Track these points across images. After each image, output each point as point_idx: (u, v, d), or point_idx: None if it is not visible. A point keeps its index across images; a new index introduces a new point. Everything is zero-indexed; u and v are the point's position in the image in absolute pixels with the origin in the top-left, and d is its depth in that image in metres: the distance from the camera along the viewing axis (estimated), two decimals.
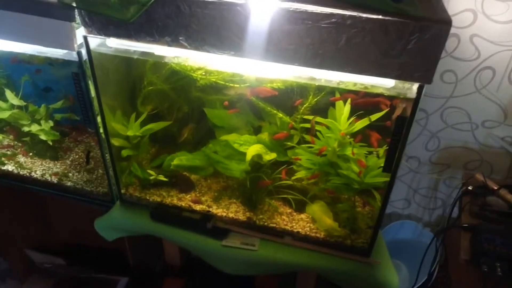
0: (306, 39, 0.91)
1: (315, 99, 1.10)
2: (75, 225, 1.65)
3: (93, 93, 1.19)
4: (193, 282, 1.57)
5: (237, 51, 0.97)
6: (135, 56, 1.08)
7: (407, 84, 0.95)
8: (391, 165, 1.06)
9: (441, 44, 0.86)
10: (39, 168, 1.52)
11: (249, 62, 1.00)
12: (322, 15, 0.87)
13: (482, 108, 1.53)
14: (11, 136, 1.58)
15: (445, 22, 0.84)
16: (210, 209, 1.36)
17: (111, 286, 1.64)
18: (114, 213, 1.43)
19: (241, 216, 1.34)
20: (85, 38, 1.08)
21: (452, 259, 1.57)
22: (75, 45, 1.10)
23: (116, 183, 1.39)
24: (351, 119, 1.11)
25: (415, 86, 0.94)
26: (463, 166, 1.70)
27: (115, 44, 1.09)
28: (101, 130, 1.26)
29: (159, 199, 1.39)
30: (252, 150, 1.20)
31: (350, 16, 0.86)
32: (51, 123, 1.46)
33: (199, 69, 1.13)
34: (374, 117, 1.09)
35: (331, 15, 0.87)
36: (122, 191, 1.42)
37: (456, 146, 1.66)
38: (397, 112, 1.02)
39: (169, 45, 1.02)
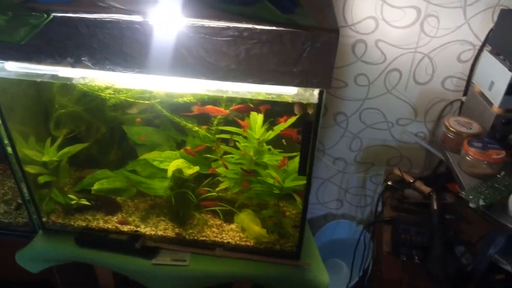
0: (206, 53, 0.93)
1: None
2: None
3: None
4: None
5: (141, 68, 0.97)
6: (38, 79, 1.05)
7: (309, 90, 1.00)
8: (305, 167, 1.10)
9: (332, 51, 0.91)
10: None
11: (157, 78, 1.01)
12: (219, 29, 0.90)
13: (394, 107, 1.63)
14: None
15: (334, 30, 0.89)
16: (138, 229, 1.34)
17: None
18: (36, 243, 1.36)
19: (170, 233, 1.33)
20: None
21: (380, 252, 1.65)
22: None
23: (36, 212, 1.33)
24: (264, 126, 1.15)
25: (316, 92, 0.99)
26: (386, 163, 1.80)
27: (15, 67, 1.06)
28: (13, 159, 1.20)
29: (84, 224, 1.35)
30: (173, 165, 1.20)
31: (246, 29, 0.89)
32: None
33: (107, 88, 1.11)
34: (286, 124, 1.13)
35: (228, 28, 0.89)
36: (44, 219, 1.35)
37: (377, 145, 1.75)
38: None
39: (73, 66, 1.00)
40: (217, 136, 1.19)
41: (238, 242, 1.31)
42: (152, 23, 0.91)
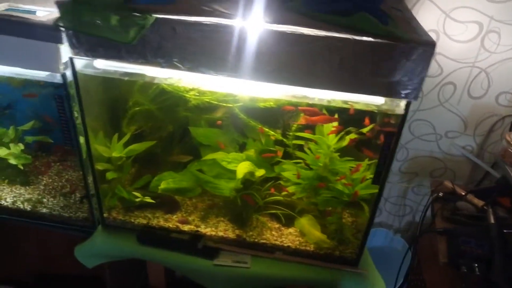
0: (302, 61, 0.95)
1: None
2: (48, 254, 1.56)
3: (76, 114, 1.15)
4: None
5: (231, 72, 0.99)
6: (126, 78, 1.06)
7: (395, 101, 1.02)
8: (380, 177, 1.12)
9: (426, 64, 0.93)
10: (9, 195, 1.43)
11: (241, 82, 1.02)
12: (316, 37, 0.92)
13: (445, 120, 1.65)
14: None
15: (430, 44, 0.91)
16: (199, 229, 1.35)
17: None
18: (97, 238, 1.37)
19: (230, 234, 1.34)
20: (71, 59, 1.06)
21: (425, 262, 1.66)
22: (61, 67, 1.07)
23: (99, 207, 1.34)
24: (340, 134, 1.17)
25: (403, 103, 1.01)
26: (429, 174, 1.82)
27: (103, 65, 1.07)
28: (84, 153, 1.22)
29: (144, 221, 1.36)
30: (243, 167, 1.22)
31: (342, 39, 0.91)
32: (21, 146, 1.39)
33: (192, 89, 1.13)
34: (364, 131, 1.15)
35: (325, 37, 0.91)
36: (105, 214, 1.37)
37: (423, 156, 1.77)
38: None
39: (162, 67, 1.02)
40: (293, 141, 1.21)
41: (297, 247, 1.32)
42: (249, 29, 0.93)
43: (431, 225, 1.51)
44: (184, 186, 1.30)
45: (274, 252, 1.33)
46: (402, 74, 0.94)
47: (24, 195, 1.43)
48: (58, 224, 1.42)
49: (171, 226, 1.36)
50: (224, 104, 1.16)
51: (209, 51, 0.97)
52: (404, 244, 1.96)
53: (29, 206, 1.41)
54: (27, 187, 1.45)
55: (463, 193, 1.50)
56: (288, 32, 0.92)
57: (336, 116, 1.16)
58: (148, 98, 1.21)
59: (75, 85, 1.09)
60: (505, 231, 1.33)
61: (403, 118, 1.02)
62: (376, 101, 1.02)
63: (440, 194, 1.55)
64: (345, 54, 0.93)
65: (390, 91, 0.97)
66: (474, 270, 1.25)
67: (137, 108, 1.22)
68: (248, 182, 1.25)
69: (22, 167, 1.42)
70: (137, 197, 1.33)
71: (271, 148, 1.28)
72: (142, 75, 1.06)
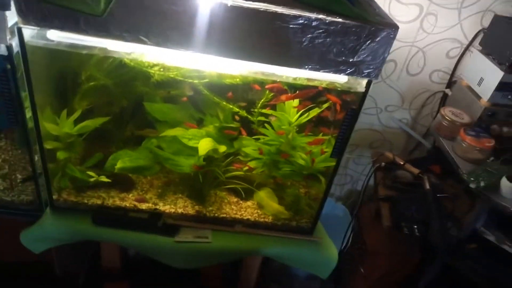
0: (273, 39, 0.95)
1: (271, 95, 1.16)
2: None
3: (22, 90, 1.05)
4: (138, 283, 1.52)
5: (202, 48, 0.97)
6: (85, 52, 0.98)
7: (357, 80, 1.07)
8: (340, 151, 1.18)
9: (389, 45, 0.99)
10: None
11: (209, 58, 1.00)
12: (291, 17, 0.92)
13: (385, 95, 1.78)
14: None
15: (394, 27, 0.97)
16: (157, 207, 1.33)
17: None
18: (45, 222, 1.29)
19: (190, 210, 1.34)
20: (19, 29, 0.95)
21: (366, 227, 1.81)
22: (7, 37, 0.95)
23: (47, 189, 1.25)
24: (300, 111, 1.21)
25: (364, 81, 1.06)
26: (369, 145, 1.96)
27: (56, 37, 0.98)
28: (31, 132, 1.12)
29: (99, 202, 1.30)
30: (205, 144, 1.21)
31: (316, 19, 0.93)
32: None
33: (156, 65, 1.08)
34: (317, 111, 1.20)
35: (299, 16, 0.93)
36: (54, 196, 1.28)
37: (364, 129, 1.90)
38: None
39: (126, 40, 0.96)
40: (258, 118, 1.22)
41: (256, 219, 1.37)
42: (223, 5, 0.91)
43: (374, 193, 1.64)
44: (142, 164, 1.26)
45: (234, 225, 1.36)
46: (367, 54, 0.99)
47: None
48: None
49: (128, 205, 1.32)
50: (190, 81, 1.13)
51: (178, 25, 0.93)
52: (345, 211, 2.10)
53: None
54: None
55: (402, 163, 1.65)
56: (259, 9, 0.91)
57: (297, 93, 1.19)
58: (104, 73, 1.13)
59: (23, 58, 0.99)
60: (438, 195, 1.49)
61: (364, 95, 1.08)
62: (339, 79, 1.07)
63: (382, 164, 1.68)
64: (316, 34, 0.95)
65: (354, 70, 1.02)
66: (414, 232, 1.40)
67: (92, 83, 1.14)
68: (210, 158, 1.25)
69: None
70: (91, 177, 1.26)
71: (231, 125, 1.28)
72: (102, 49, 0.99)
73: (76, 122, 1.22)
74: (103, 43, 0.99)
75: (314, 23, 0.94)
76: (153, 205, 1.33)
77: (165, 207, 1.33)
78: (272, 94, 1.17)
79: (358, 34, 0.96)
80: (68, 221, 1.28)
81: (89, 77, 1.13)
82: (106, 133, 1.30)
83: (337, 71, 1.02)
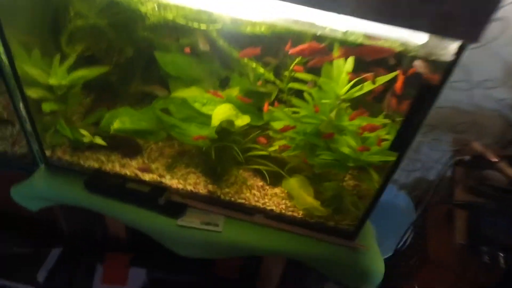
0: None
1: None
2: None
3: None
4: (141, 259, 1.33)
5: None
6: None
7: (443, 42, 0.69)
8: (403, 143, 0.82)
9: None
10: None
11: None
12: None
13: (485, 64, 1.31)
14: None
15: None
16: (163, 180, 1.09)
17: (41, 258, 1.36)
18: (37, 180, 1.12)
19: (201, 189, 1.09)
20: None
21: (433, 232, 1.44)
22: None
23: (38, 144, 1.06)
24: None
25: (454, 46, 0.68)
26: (451, 129, 1.52)
27: None
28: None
29: (96, 165, 1.09)
30: (220, 112, 0.91)
31: None
32: None
33: (148, 1, 0.78)
34: (384, 78, 0.83)
35: None
36: (47, 153, 1.09)
37: (447, 107, 1.46)
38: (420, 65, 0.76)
39: None
40: (289, 85, 0.89)
41: (283, 211, 1.07)
42: None
43: (450, 194, 1.25)
44: (144, 127, 1.01)
45: (254, 215, 1.08)
46: (462, 4, 0.60)
47: None
48: None
49: (128, 173, 1.09)
50: (196, 26, 0.82)
51: None
52: (409, 203, 1.73)
53: None
54: None
55: (495, 159, 1.22)
56: None
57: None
58: (94, 10, 0.86)
59: None
60: None
61: (450, 66, 0.70)
62: (414, 39, 0.69)
63: (466, 158, 1.27)
64: None
65: (439, 26, 0.64)
66: (498, 261, 1.01)
67: (79, 23, 0.87)
68: (225, 131, 0.95)
69: None
70: (85, 136, 1.04)
71: (261, 89, 0.96)
72: None
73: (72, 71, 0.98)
74: None
75: None
76: (158, 177, 1.09)
77: (172, 182, 1.08)
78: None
79: None
80: (60, 182, 1.10)
81: (76, 14, 0.87)
82: (110, 88, 1.06)
83: (413, 25, 0.65)
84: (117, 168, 1.09)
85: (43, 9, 0.92)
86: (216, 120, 0.90)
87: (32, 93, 0.95)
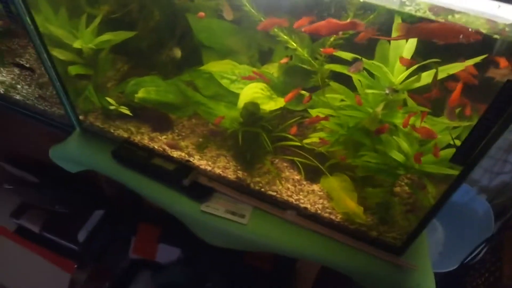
0: None
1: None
2: (40, 144, 1.35)
3: None
4: (170, 233, 1.28)
5: None
6: None
7: None
8: (470, 153, 0.62)
9: None
10: None
11: None
12: None
13: None
14: None
15: None
16: (191, 159, 0.99)
17: (83, 219, 1.39)
18: (71, 143, 1.10)
19: (230, 174, 0.97)
20: None
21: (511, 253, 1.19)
22: None
23: (71, 107, 1.03)
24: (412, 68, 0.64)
25: None
26: None
27: None
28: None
29: (125, 135, 1.03)
30: (248, 92, 0.78)
31: None
32: None
33: None
34: (457, 66, 0.61)
35: None
36: (81, 117, 1.06)
37: None
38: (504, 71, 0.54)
39: None
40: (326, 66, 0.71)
41: (319, 211, 0.92)
42: None
43: None
44: (170, 100, 0.91)
45: (285, 210, 0.95)
46: None
47: None
48: (36, 115, 1.15)
49: (156, 148, 1.01)
50: None
51: None
52: (488, 210, 1.45)
53: (2, 89, 1.14)
54: (1, 68, 1.16)
55: None
56: None
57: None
58: None
59: None
60: None
61: None
62: (502, 15, 0.47)
63: None
64: None
65: None
66: None
67: None
68: (254, 115, 0.81)
69: None
70: (111, 104, 0.97)
71: (304, 66, 0.79)
72: None
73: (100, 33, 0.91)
74: None
75: None
76: (186, 155, 1.00)
77: (201, 162, 0.99)
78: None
79: None
80: (91, 148, 1.07)
81: None
82: (141, 55, 0.97)
83: None
84: (146, 141, 1.02)
85: None
86: (241, 101, 0.77)
87: (58, 54, 0.89)
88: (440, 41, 0.57)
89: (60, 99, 1.03)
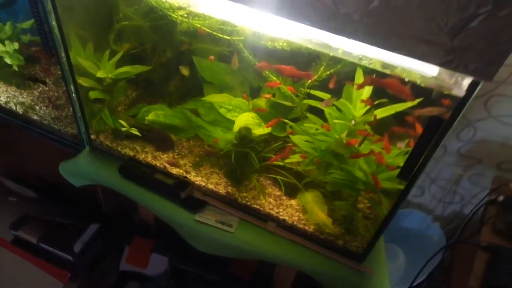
0: None
1: (326, 72, 0.83)
2: (45, 160, 1.48)
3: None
4: (163, 246, 1.42)
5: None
6: None
7: (455, 76, 0.68)
8: (410, 173, 0.82)
9: None
10: (3, 95, 1.31)
11: (248, 11, 0.73)
12: None
13: None
14: None
15: None
16: (188, 175, 1.16)
17: (80, 231, 1.50)
18: (81, 159, 1.25)
19: (221, 189, 1.14)
20: None
21: (458, 273, 1.37)
22: None
23: (85, 127, 1.19)
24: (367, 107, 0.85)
25: (467, 81, 0.67)
26: (496, 165, 1.44)
27: None
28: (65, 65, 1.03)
29: (131, 153, 1.20)
30: (242, 120, 0.97)
31: None
32: (16, 45, 1.23)
33: (180, 8, 0.86)
34: (400, 106, 0.83)
35: None
36: (92, 137, 1.22)
37: (494, 141, 1.39)
38: (433, 110, 0.75)
39: None
40: (304, 101, 0.92)
41: (295, 223, 1.10)
42: None
43: (473, 233, 1.20)
44: (176, 123, 1.09)
45: (267, 222, 1.12)
46: (475, 37, 0.60)
47: (17, 97, 1.31)
48: (49, 134, 1.30)
49: (158, 165, 1.18)
50: (221, 35, 0.88)
51: None
52: (441, 236, 1.66)
53: (21, 110, 1.29)
54: (22, 90, 1.32)
55: None
56: None
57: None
58: (139, 12, 0.95)
59: None
60: None
61: (461, 102, 0.68)
62: (426, 70, 0.69)
63: (500, 198, 1.20)
64: None
65: (450, 60, 0.63)
66: None
67: (126, 23, 0.97)
68: (246, 138, 1.00)
69: (16, 69, 1.28)
70: (123, 126, 1.14)
71: (284, 102, 0.99)
72: None
73: (119, 66, 1.09)
74: None
75: None
76: (184, 172, 1.17)
77: (196, 178, 1.16)
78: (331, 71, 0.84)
79: (466, 0, 0.57)
80: (100, 164, 1.22)
81: (124, 16, 0.97)
82: (151, 85, 1.16)
83: (423, 56, 0.65)
84: (149, 159, 1.19)
85: (99, 9, 1.04)
86: (236, 126, 0.95)
87: (83, 81, 1.06)
88: (389, 90, 0.79)
89: (76, 120, 1.19)
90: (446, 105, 0.72)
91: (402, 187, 0.85)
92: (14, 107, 1.29)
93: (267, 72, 0.91)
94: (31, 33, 1.27)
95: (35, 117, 1.28)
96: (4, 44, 1.23)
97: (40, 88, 1.32)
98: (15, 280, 1.48)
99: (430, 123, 0.73)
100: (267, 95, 0.97)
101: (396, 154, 0.90)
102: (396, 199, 0.88)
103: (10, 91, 1.32)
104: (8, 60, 1.24)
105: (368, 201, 1.03)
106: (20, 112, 1.29)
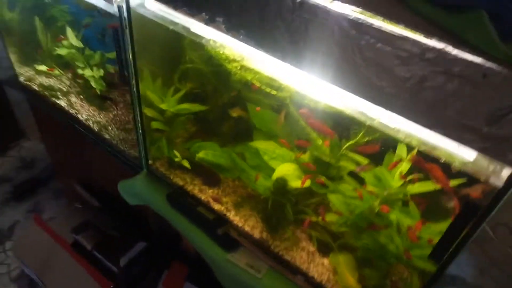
0: (363, 61, 0.65)
1: (362, 139, 0.83)
2: (109, 175, 1.63)
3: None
4: (197, 277, 1.46)
5: (277, 53, 0.74)
6: (171, 27, 0.91)
7: (493, 164, 0.64)
8: (443, 254, 0.77)
9: None
10: (85, 113, 1.49)
11: (291, 70, 0.77)
12: (393, 37, 0.60)
13: None
14: (69, 75, 1.56)
15: None
16: (228, 213, 1.20)
17: (127, 246, 1.60)
18: (138, 180, 1.35)
19: (256, 234, 1.16)
20: None
21: None
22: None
23: (145, 152, 1.29)
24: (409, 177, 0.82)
25: (507, 171, 0.62)
26: None
27: (154, 7, 0.94)
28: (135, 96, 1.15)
29: (181, 183, 1.27)
30: (282, 169, 0.99)
31: (433, 49, 0.57)
32: (101, 72, 1.40)
33: (234, 60, 0.92)
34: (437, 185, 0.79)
35: (404, 39, 0.59)
36: (150, 162, 1.32)
37: None
38: (473, 191, 0.71)
39: (206, 23, 0.83)
40: (340, 163, 0.92)
41: (324, 283, 1.07)
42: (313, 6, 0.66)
43: None
44: (222, 163, 1.14)
45: (296, 275, 1.10)
46: None
47: (96, 116, 1.47)
48: (115, 153, 1.44)
49: (203, 198, 1.23)
50: (269, 90, 0.92)
51: (256, 17, 0.74)
52: None
53: (97, 128, 1.45)
54: (101, 111, 1.48)
55: None
56: (357, 20, 0.62)
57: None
58: (203, 58, 1.04)
59: (128, 19, 0.99)
60: None
61: (499, 194, 0.64)
62: (462, 153, 0.66)
63: None
64: (430, 72, 0.59)
65: (487, 147, 0.60)
66: None
67: (189, 65, 1.07)
68: (282, 188, 1.02)
69: (99, 92, 1.45)
70: (176, 157, 1.22)
71: (329, 160, 1.00)
72: (186, 29, 0.90)
73: (181, 102, 1.19)
74: (190, 23, 0.90)
75: (428, 55, 0.58)
76: (224, 210, 1.21)
77: (235, 218, 1.19)
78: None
79: (505, 90, 0.55)
80: (152, 188, 1.31)
81: (190, 59, 1.06)
82: (207, 123, 1.24)
83: (459, 138, 0.63)
84: (196, 191, 1.25)
85: (170, 51, 1.15)
86: (275, 175, 0.98)
87: (148, 111, 1.17)
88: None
89: (138, 144, 1.30)
90: (485, 191, 0.67)
91: (432, 268, 0.80)
92: (92, 125, 1.46)
93: (304, 123, 0.93)
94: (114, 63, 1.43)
95: (106, 136, 1.43)
96: (92, 70, 1.40)
97: (115, 112, 1.47)
98: (65, 278, 1.62)
99: (464, 207, 0.68)
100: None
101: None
102: (427, 281, 0.82)
103: (91, 110, 1.49)
104: (93, 84, 1.41)
105: (397, 275, 0.97)
106: (96, 130, 1.45)
